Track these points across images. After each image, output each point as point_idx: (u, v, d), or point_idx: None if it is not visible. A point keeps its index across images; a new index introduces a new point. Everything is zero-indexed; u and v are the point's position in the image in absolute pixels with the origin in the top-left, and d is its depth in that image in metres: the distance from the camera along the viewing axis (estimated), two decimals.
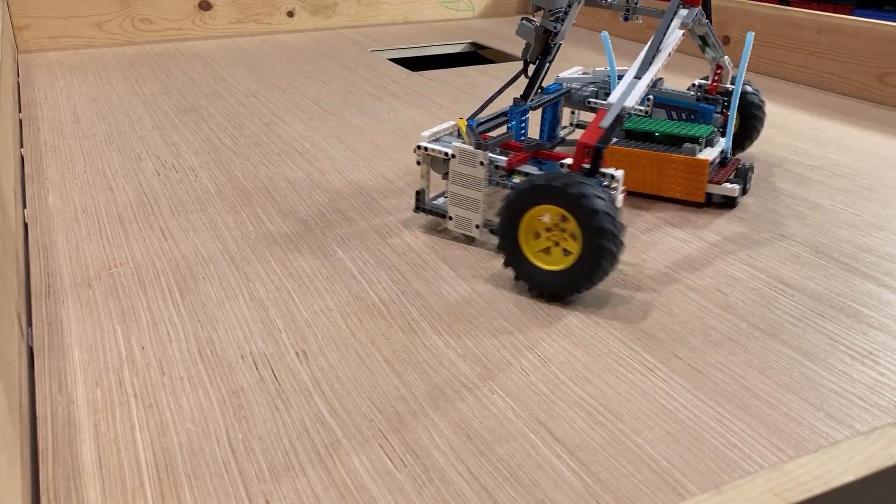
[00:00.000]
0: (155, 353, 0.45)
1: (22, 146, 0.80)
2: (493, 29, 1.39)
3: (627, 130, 0.65)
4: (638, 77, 0.52)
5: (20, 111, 0.91)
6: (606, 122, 0.50)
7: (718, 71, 0.69)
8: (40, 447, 0.38)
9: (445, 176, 0.57)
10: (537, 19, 0.62)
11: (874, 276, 0.54)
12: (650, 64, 0.53)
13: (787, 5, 1.47)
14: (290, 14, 1.34)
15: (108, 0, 1.23)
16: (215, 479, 0.36)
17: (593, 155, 0.49)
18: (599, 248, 0.47)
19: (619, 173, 0.50)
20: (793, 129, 0.85)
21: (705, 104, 0.68)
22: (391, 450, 0.38)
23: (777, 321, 0.49)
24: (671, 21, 0.55)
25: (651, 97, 0.70)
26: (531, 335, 0.47)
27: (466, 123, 0.56)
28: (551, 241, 0.50)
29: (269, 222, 0.62)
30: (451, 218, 0.57)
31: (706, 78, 0.72)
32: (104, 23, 1.23)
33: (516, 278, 0.51)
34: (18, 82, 1.03)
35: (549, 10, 0.61)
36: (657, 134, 0.64)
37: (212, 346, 0.46)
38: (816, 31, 1.01)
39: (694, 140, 0.63)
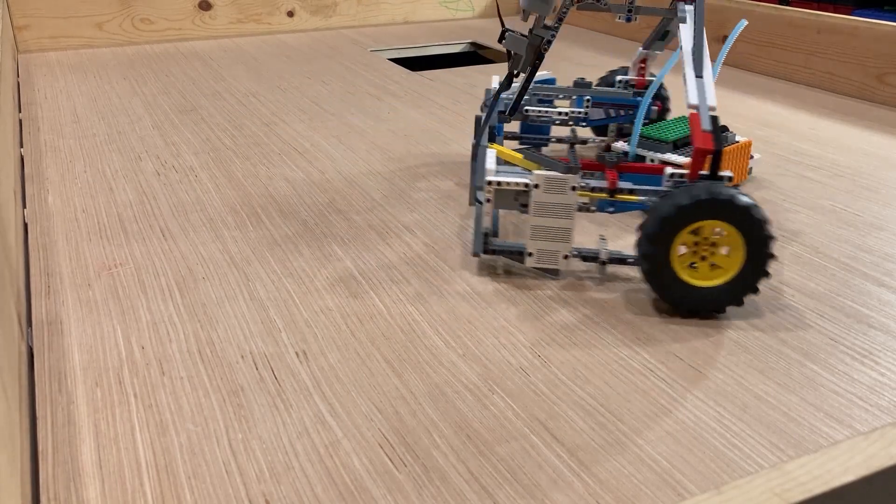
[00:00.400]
0: (155, 353, 0.45)
1: (22, 146, 0.80)
2: (493, 29, 1.39)
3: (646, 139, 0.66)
4: (700, 76, 0.52)
5: (20, 111, 0.91)
6: (707, 125, 0.49)
7: (643, 64, 0.71)
8: (40, 447, 0.38)
9: (523, 209, 0.52)
10: (517, 30, 0.61)
11: (874, 276, 0.54)
12: (702, 61, 0.53)
13: (787, 5, 1.47)
14: (290, 14, 1.34)
15: (108, 0, 1.23)
16: (215, 479, 0.36)
17: (714, 159, 0.48)
18: (766, 239, 0.47)
19: (730, 174, 0.50)
20: (793, 129, 0.85)
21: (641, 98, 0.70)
22: (391, 450, 0.38)
23: (777, 321, 0.49)
24: (701, 17, 0.55)
25: (589, 98, 0.70)
26: (531, 335, 0.47)
27: (524, 150, 0.53)
28: (699, 258, 0.48)
29: (269, 222, 0.62)
30: (530, 254, 0.53)
31: (614, 72, 0.73)
32: (104, 23, 1.23)
33: (683, 309, 0.49)
34: (18, 82, 1.03)
35: (543, 17, 0.60)
36: (673, 140, 0.64)
37: (212, 346, 0.46)
38: (816, 31, 1.01)
39: (724, 129, 0.66)
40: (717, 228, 0.47)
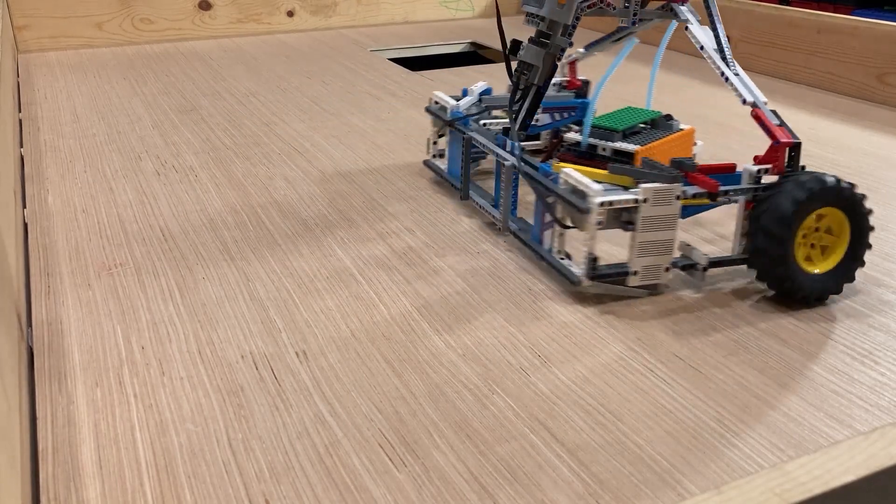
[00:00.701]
0: (155, 353, 0.45)
1: (22, 146, 0.80)
2: (493, 29, 1.39)
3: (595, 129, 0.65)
4: (737, 73, 0.54)
5: (20, 111, 0.91)
6: (774, 119, 0.52)
7: (572, 66, 0.73)
8: (40, 447, 0.38)
9: (628, 226, 0.50)
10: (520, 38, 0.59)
11: (874, 276, 0.54)
12: (731, 58, 0.55)
13: (787, 5, 1.47)
14: (290, 14, 1.34)
15: (108, 0, 1.23)
16: (215, 479, 0.36)
17: (795, 150, 0.51)
18: (866, 215, 0.50)
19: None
20: (793, 129, 0.85)
21: (581, 99, 0.72)
22: (391, 450, 0.38)
23: (777, 321, 0.49)
24: (717, 15, 0.57)
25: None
26: (531, 335, 0.47)
27: (610, 167, 0.51)
28: (808, 245, 0.50)
29: (269, 222, 0.62)
30: (635, 273, 0.50)
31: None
32: (104, 23, 1.23)
33: (811, 300, 0.50)
34: (18, 82, 1.03)
35: (561, 25, 0.57)
36: (622, 130, 0.64)
37: (212, 346, 0.46)
38: (816, 31, 1.01)
39: (669, 118, 0.66)
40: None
